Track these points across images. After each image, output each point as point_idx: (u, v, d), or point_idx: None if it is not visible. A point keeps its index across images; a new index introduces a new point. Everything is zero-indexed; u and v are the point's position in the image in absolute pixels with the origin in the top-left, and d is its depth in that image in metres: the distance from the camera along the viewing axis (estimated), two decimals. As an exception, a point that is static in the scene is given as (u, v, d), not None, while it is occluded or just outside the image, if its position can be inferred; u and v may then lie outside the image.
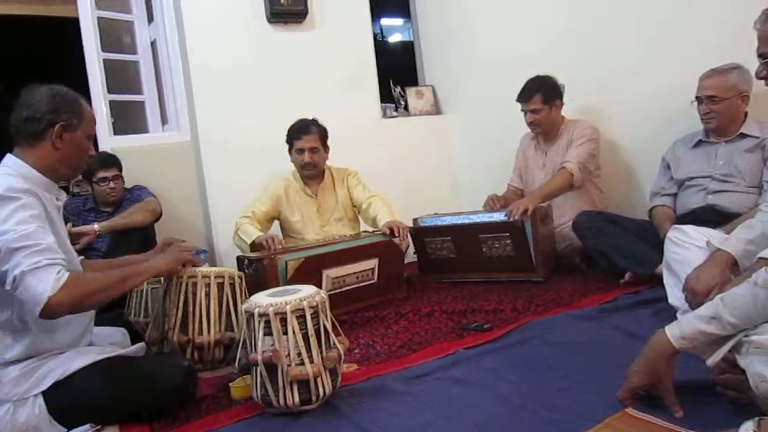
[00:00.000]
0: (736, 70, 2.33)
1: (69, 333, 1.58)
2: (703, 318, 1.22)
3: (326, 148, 2.94)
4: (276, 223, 3.03)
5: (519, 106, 3.02)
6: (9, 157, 1.57)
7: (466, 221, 2.87)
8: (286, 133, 2.93)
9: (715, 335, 1.21)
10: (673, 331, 1.26)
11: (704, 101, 2.38)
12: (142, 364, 1.64)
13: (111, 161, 2.81)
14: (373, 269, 2.61)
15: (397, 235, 2.67)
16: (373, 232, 2.81)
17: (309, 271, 2.35)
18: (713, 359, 1.23)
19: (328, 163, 3.02)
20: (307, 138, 2.86)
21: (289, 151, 2.95)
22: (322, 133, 2.91)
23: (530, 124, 3.02)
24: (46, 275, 1.37)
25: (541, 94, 2.93)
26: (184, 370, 1.61)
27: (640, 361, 1.30)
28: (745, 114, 2.39)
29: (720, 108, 2.36)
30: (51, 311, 1.37)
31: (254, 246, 2.65)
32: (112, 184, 2.78)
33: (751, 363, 1.15)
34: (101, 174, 2.76)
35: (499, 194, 3.17)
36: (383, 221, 2.75)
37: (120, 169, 2.84)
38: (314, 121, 2.92)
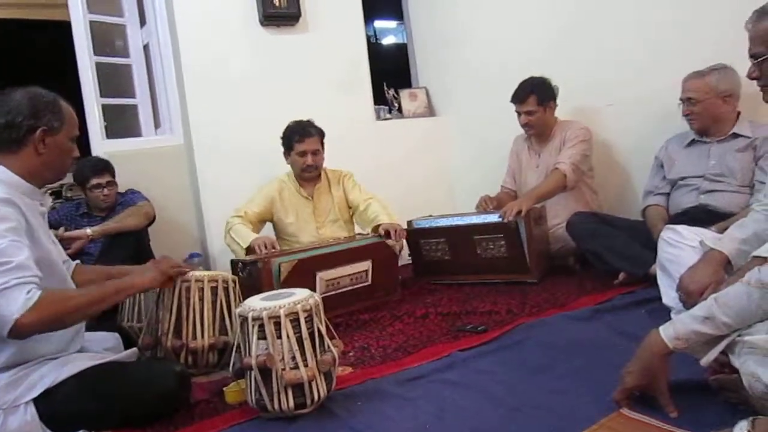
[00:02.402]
0: (717, 72, 2.35)
1: (57, 340, 1.56)
2: (697, 318, 1.23)
3: (323, 149, 2.94)
4: (269, 225, 3.02)
5: (513, 107, 3.03)
6: None
7: (461, 222, 2.87)
8: (282, 135, 2.91)
9: (709, 335, 1.21)
10: (667, 332, 1.26)
11: (685, 102, 2.43)
12: (134, 370, 1.63)
13: (104, 167, 2.78)
14: (366, 271, 2.61)
15: (393, 237, 2.67)
16: (367, 234, 2.81)
17: (302, 274, 2.34)
18: (707, 359, 1.23)
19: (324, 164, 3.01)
20: (309, 141, 2.85)
21: (287, 153, 2.93)
22: (321, 135, 2.91)
23: (524, 125, 3.02)
24: (16, 295, 1.32)
25: (536, 95, 2.93)
26: (177, 375, 1.60)
27: (635, 362, 1.31)
28: (738, 114, 2.41)
29: (699, 110, 2.39)
30: (18, 332, 1.33)
31: (249, 250, 2.63)
32: (105, 191, 2.76)
33: (745, 363, 1.15)
34: (94, 181, 2.74)
35: (493, 195, 3.18)
36: (381, 223, 2.75)
37: (113, 175, 2.82)
38: (312, 123, 2.90)
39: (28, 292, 1.33)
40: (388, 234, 2.68)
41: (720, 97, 2.35)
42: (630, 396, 1.31)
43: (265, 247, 2.57)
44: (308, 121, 2.91)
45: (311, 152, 2.85)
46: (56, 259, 1.60)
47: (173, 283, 1.85)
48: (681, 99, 2.44)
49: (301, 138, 2.85)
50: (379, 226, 2.75)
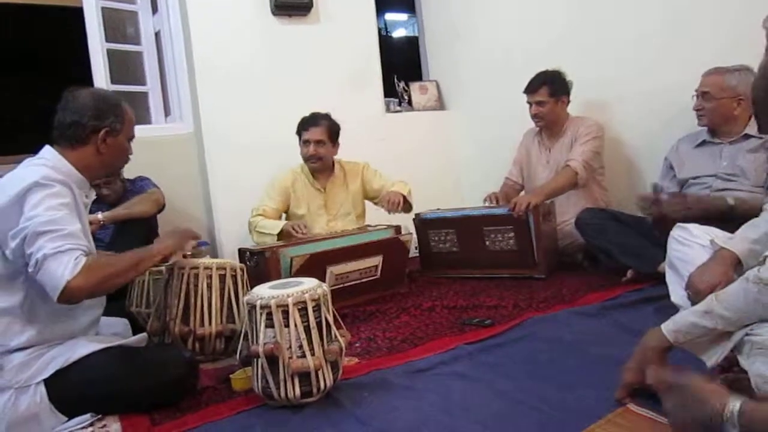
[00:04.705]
0: (739, 72, 2.31)
1: (78, 324, 1.59)
2: (696, 312, 1.24)
3: (334, 143, 2.93)
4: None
5: (523, 102, 3.02)
6: (48, 150, 1.60)
7: (471, 213, 2.88)
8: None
9: (707, 328, 1.21)
10: (667, 326, 1.28)
11: (699, 97, 2.39)
12: (143, 355, 1.64)
13: None
14: (377, 266, 2.61)
15: (387, 206, 2.76)
16: (376, 226, 2.81)
17: (313, 268, 2.34)
18: (714, 361, 1.23)
19: (338, 157, 3.01)
20: (313, 130, 2.86)
21: (299, 143, 2.95)
22: (331, 128, 2.89)
23: (534, 116, 3.01)
24: (67, 259, 1.39)
25: (548, 86, 2.92)
26: (185, 361, 1.62)
27: (633, 358, 1.32)
28: (750, 115, 2.38)
29: (710, 106, 2.36)
30: (69, 295, 1.39)
31: (282, 235, 2.67)
32: (105, 191, 2.75)
33: (754, 364, 1.15)
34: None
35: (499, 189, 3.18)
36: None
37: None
38: (326, 115, 2.90)
39: (77, 257, 1.40)
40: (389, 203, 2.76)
41: (735, 99, 2.32)
42: (631, 392, 1.31)
43: (301, 228, 2.64)
44: (325, 113, 2.92)
45: (314, 142, 2.86)
46: (93, 245, 1.65)
47: (182, 269, 1.86)
48: (696, 91, 2.42)
49: (306, 127, 2.88)
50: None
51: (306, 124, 2.88)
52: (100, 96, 1.64)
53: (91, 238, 1.66)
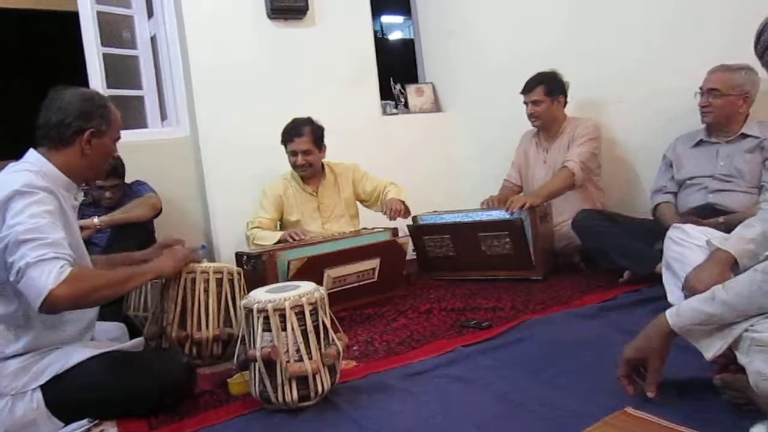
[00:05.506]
0: (744, 70, 2.33)
1: (72, 329, 1.59)
2: (700, 298, 1.26)
3: (321, 147, 2.91)
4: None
5: (520, 104, 3.02)
6: (32, 154, 1.57)
7: (466, 219, 2.87)
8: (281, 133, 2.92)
9: (707, 314, 1.22)
10: (670, 311, 1.29)
11: (705, 94, 2.40)
12: (141, 360, 1.64)
13: (112, 171, 2.69)
14: (374, 269, 2.60)
15: (388, 214, 2.74)
16: (373, 229, 2.81)
17: (311, 271, 2.33)
18: (713, 354, 1.23)
19: (326, 159, 3.01)
20: (298, 141, 2.84)
21: (286, 152, 2.95)
22: (315, 133, 2.86)
23: (530, 115, 3.01)
24: (50, 268, 1.36)
25: (545, 86, 2.93)
26: (183, 366, 1.61)
27: (637, 337, 1.34)
28: (747, 115, 2.39)
29: (719, 103, 2.37)
30: (51, 305, 1.36)
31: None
32: (108, 194, 2.73)
33: (752, 361, 1.15)
34: (99, 182, 2.71)
35: (497, 191, 3.17)
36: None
37: (121, 177, 2.77)
38: (307, 121, 2.88)
39: (61, 266, 1.37)
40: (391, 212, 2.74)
41: (741, 97, 2.34)
42: (630, 372, 1.33)
43: (296, 236, 2.64)
44: (306, 118, 2.89)
45: (301, 152, 2.85)
46: (84, 252, 1.64)
47: (179, 273, 1.86)
48: (701, 89, 2.42)
49: (290, 138, 2.86)
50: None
51: (290, 134, 2.85)
52: (86, 96, 1.61)
53: (82, 243, 1.65)
